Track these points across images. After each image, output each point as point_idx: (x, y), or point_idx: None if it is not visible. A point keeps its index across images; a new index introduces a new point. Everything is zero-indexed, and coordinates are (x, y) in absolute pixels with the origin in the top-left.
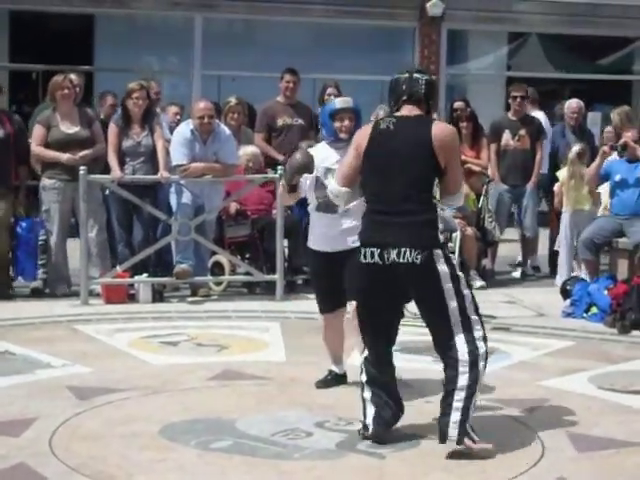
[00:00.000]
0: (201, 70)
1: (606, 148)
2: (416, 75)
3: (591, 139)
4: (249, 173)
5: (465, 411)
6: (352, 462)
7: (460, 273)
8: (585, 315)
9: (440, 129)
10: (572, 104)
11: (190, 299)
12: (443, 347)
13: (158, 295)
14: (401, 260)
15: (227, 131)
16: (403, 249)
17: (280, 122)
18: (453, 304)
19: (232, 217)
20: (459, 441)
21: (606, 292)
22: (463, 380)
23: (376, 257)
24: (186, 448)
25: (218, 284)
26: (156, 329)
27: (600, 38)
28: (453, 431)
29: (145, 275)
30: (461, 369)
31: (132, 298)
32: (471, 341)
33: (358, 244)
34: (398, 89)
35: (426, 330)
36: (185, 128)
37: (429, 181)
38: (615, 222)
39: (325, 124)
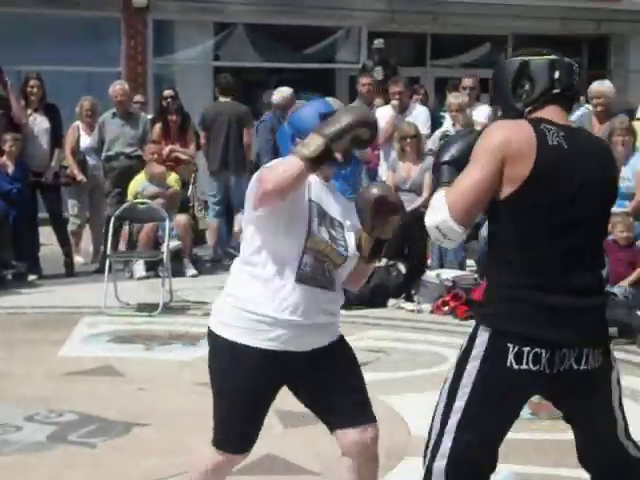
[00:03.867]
0: None
1: None
2: (567, 60)
3: None
4: None
5: None
6: (63, 453)
7: None
8: None
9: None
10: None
11: None
12: (607, 456)
13: None
14: (582, 367)
15: None
16: (586, 350)
17: None
18: (618, 412)
19: None
20: None
21: None
22: None
23: (544, 362)
24: None
25: None
26: None
27: (304, 28)
28: None
29: None
30: None
31: None
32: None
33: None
34: (542, 77)
35: (135, 319)
36: None
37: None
38: None
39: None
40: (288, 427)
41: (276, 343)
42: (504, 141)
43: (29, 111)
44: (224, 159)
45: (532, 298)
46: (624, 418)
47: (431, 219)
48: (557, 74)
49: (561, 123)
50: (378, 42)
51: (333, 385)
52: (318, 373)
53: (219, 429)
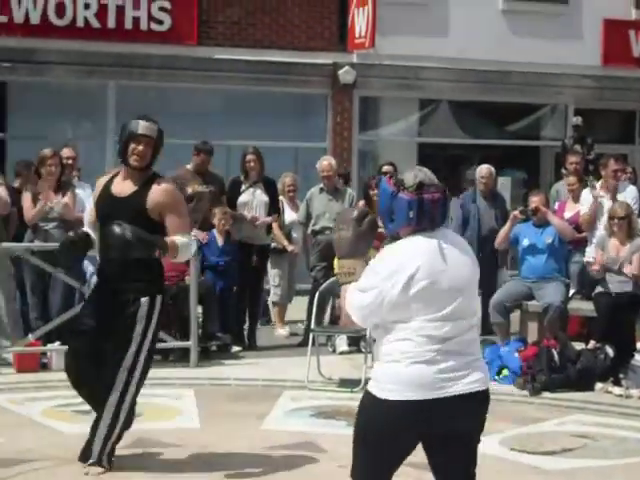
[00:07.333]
0: (114, 137)
1: (516, 213)
2: None
3: (503, 203)
4: None
5: None
6: None
7: None
8: (497, 378)
9: None
10: (482, 169)
11: None
12: None
13: None
14: None
15: None
16: None
17: (190, 190)
18: None
19: None
20: None
21: (517, 354)
22: None
23: None
24: None
25: None
26: (69, 398)
27: (508, 105)
28: None
29: (58, 343)
30: None
31: (45, 367)
32: None
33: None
34: None
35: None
36: None
37: None
38: (524, 285)
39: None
40: None
41: None
42: None
43: (247, 184)
44: None
45: None
46: None
47: None
48: None
49: None
50: (577, 119)
51: None
52: None
53: None
